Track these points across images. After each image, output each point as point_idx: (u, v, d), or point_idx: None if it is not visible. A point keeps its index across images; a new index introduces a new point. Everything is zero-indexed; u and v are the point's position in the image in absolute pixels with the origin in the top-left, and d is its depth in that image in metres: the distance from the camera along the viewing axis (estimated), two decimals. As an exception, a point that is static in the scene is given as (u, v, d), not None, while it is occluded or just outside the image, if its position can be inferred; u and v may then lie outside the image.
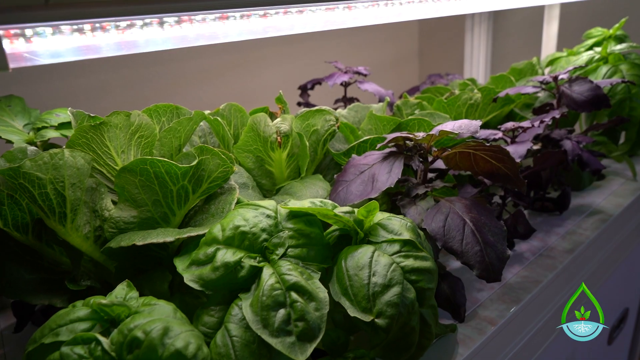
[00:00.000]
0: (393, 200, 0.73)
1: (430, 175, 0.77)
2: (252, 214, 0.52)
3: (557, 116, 0.85)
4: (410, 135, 0.67)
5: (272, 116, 0.88)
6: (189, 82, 1.42)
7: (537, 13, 1.67)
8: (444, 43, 1.95)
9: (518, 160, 0.72)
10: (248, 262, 0.48)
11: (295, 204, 0.54)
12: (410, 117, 0.83)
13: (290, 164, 0.77)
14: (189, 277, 0.48)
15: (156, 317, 0.41)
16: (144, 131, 0.59)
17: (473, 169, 0.71)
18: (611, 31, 1.24)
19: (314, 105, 1.18)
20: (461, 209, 0.63)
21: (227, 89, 1.51)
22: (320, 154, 0.80)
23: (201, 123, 0.81)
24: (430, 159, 0.70)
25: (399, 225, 0.55)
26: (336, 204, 0.57)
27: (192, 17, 0.50)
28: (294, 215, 0.53)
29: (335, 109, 1.09)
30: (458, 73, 1.87)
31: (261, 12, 0.58)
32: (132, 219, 0.56)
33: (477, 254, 0.59)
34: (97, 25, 0.44)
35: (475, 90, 0.99)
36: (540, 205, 1.02)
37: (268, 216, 0.52)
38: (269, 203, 0.54)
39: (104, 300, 0.42)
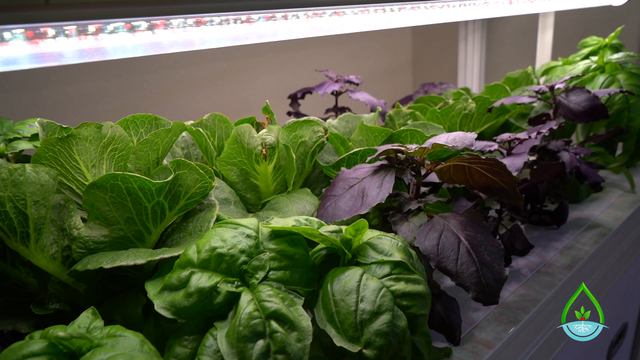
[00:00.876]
0: (384, 216, 0.70)
1: (423, 189, 0.74)
2: (231, 233, 0.48)
3: (555, 127, 0.82)
4: (402, 148, 0.63)
5: (260, 127, 0.84)
6: (182, 90, 1.40)
7: (531, 22, 1.65)
8: (438, 52, 1.93)
9: (515, 174, 0.69)
10: (225, 288, 0.44)
11: (278, 222, 0.51)
12: (402, 128, 0.80)
13: (277, 177, 0.74)
14: (160, 303, 0.44)
15: (119, 351, 0.37)
16: (118, 144, 0.55)
17: (468, 183, 0.67)
18: (607, 40, 1.22)
19: (304, 115, 1.15)
20: (456, 226, 0.59)
21: (220, 97, 1.48)
22: (308, 167, 0.76)
23: (184, 134, 0.77)
24: (423, 172, 0.67)
25: (389, 245, 0.51)
26: (322, 222, 0.54)
27: (166, 22, 0.47)
28: (276, 234, 0.50)
29: (326, 118, 1.06)
30: (452, 82, 1.85)
31: (244, 17, 0.54)
32: (103, 239, 0.52)
33: (473, 275, 0.55)
34: (60, 30, 0.40)
35: (470, 100, 0.96)
36: (537, 218, 0.99)
37: (248, 236, 0.48)
38: (250, 222, 0.50)
39: (61, 333, 0.38)
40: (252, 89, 1.55)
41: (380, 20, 0.71)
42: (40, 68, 1.15)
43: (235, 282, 0.45)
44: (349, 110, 1.14)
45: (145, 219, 0.54)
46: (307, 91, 1.13)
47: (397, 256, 0.50)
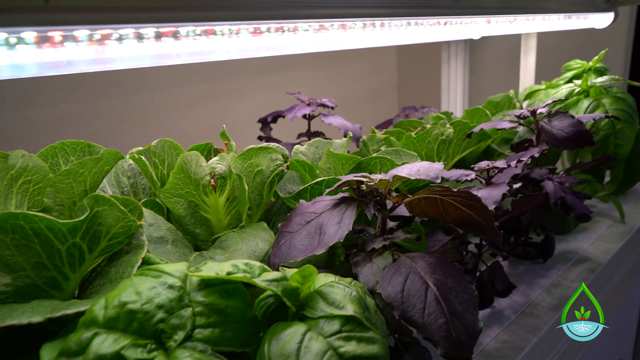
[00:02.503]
0: (347, 254, 0.63)
1: (392, 223, 0.67)
2: (149, 284, 0.40)
3: (536, 155, 0.76)
4: (364, 179, 0.57)
5: (217, 154, 0.78)
6: (162, 112, 1.35)
7: (514, 45, 1.62)
8: (423, 74, 1.90)
9: (492, 207, 0.62)
10: (131, 355, 0.36)
11: (211, 268, 0.43)
12: (372, 156, 0.74)
13: (231, 210, 0.66)
14: (52, 374, 0.36)
15: None
16: (32, 175, 0.48)
17: (442, 217, 0.60)
18: (591, 63, 1.17)
19: (276, 140, 1.08)
20: (424, 268, 0.52)
21: (200, 120, 1.43)
22: (266, 198, 0.69)
23: (130, 161, 0.70)
24: (389, 205, 0.60)
25: (341, 295, 0.44)
26: (265, 267, 0.46)
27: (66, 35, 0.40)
28: (207, 284, 0.42)
29: (297, 144, 0.99)
30: (437, 105, 1.81)
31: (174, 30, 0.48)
32: (4, 288, 0.44)
33: (442, 328, 0.47)
34: None
35: (447, 125, 0.90)
36: (522, 250, 0.92)
37: (171, 287, 0.41)
38: (176, 268, 0.43)
39: None
40: (233, 112, 1.50)
41: (341, 39, 0.66)
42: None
43: (149, 346, 0.37)
44: (323, 135, 1.07)
45: (60, 263, 0.46)
46: (277, 115, 1.07)
47: (350, 309, 0.42)
